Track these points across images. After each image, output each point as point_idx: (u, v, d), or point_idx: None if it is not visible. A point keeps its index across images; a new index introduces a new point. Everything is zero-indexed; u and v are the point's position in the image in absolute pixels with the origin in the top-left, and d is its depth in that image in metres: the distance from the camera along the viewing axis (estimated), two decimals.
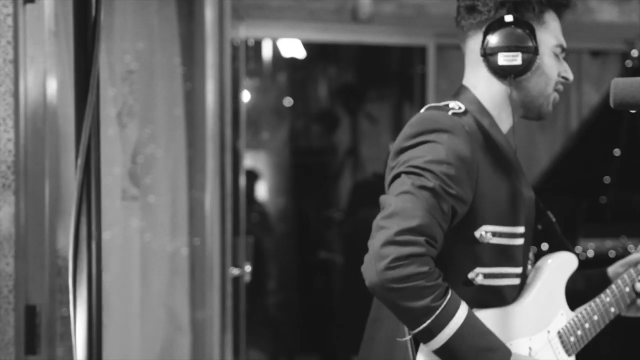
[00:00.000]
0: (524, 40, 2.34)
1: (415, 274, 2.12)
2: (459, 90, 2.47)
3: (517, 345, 2.36)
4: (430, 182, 2.19)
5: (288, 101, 7.40)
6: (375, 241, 2.15)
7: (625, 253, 4.62)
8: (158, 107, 3.75)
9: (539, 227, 2.59)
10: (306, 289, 7.15)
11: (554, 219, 2.62)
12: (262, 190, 7.17)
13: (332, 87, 7.49)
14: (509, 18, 2.35)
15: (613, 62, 6.75)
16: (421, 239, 2.14)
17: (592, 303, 2.55)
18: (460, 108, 2.36)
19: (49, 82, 2.67)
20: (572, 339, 2.50)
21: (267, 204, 7.27)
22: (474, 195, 2.27)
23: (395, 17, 6.06)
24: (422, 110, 2.39)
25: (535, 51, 2.35)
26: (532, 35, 2.35)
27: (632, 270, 2.61)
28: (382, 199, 2.24)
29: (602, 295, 2.57)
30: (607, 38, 6.58)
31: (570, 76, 2.47)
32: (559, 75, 2.44)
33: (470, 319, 2.20)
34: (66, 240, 3.08)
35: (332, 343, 6.93)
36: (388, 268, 2.11)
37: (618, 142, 5.51)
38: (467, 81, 2.47)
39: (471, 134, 2.30)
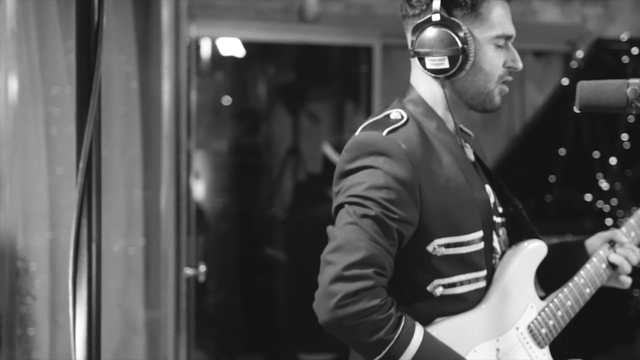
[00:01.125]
0: (451, 43, 2.28)
1: (366, 309, 2.12)
2: (406, 90, 2.43)
3: (483, 350, 2.35)
4: (372, 210, 2.18)
5: (227, 100, 7.38)
6: (323, 278, 2.15)
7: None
8: (113, 107, 3.72)
9: (510, 209, 2.56)
10: (248, 288, 7.14)
11: (520, 206, 2.59)
12: (199, 190, 7.14)
13: (273, 86, 7.49)
14: (435, 18, 2.29)
15: (556, 63, 6.84)
16: (369, 271, 2.13)
17: (564, 288, 2.53)
18: (402, 117, 2.32)
19: (10, 82, 2.65)
20: (543, 330, 2.48)
21: (205, 204, 7.24)
22: (420, 213, 2.25)
23: (342, 17, 6.09)
24: (359, 130, 2.35)
25: (463, 52, 2.29)
26: (461, 36, 2.28)
27: (601, 252, 2.59)
28: (329, 230, 2.24)
29: (576, 278, 2.54)
30: (550, 39, 6.67)
31: (519, 65, 2.40)
32: (505, 65, 2.38)
33: (427, 343, 2.20)
34: (25, 242, 3.06)
35: (277, 342, 6.94)
36: (338, 306, 2.12)
37: (563, 142, 5.60)
38: (412, 79, 2.44)
39: (409, 151, 2.25)
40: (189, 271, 4.09)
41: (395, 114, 2.34)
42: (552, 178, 5.67)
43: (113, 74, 3.71)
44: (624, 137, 5.45)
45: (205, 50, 6.99)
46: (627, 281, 2.61)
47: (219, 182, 7.38)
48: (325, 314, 2.14)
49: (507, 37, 2.38)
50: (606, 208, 5.54)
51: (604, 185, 5.55)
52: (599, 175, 5.60)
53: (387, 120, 2.33)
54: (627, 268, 2.59)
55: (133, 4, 3.83)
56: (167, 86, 3.88)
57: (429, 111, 2.39)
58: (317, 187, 6.58)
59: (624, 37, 5.82)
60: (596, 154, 5.62)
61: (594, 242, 2.63)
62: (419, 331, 2.20)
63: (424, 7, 2.33)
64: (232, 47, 6.74)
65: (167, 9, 3.86)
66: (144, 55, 3.90)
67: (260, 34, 6.12)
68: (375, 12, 6.14)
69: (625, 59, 5.66)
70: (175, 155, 3.96)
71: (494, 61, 2.36)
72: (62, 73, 3.18)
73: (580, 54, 6.05)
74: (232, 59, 7.07)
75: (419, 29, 2.31)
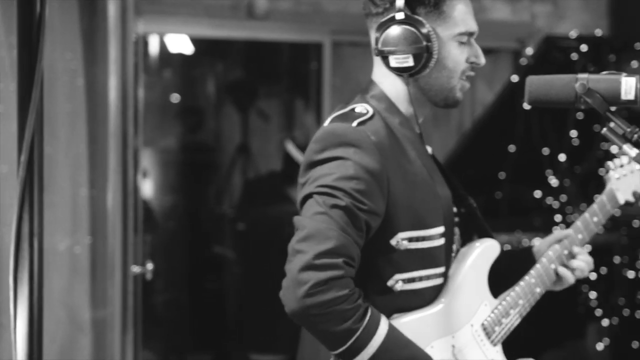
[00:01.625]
0: (415, 41, 2.30)
1: (336, 298, 2.12)
2: (368, 86, 2.44)
3: (439, 346, 2.37)
4: (342, 201, 2.18)
5: (175, 97, 7.32)
6: (292, 266, 2.14)
7: (519, 247, 4.74)
8: (58, 104, 3.67)
9: (462, 210, 2.59)
10: (197, 287, 7.10)
11: (474, 204, 2.62)
12: (147, 188, 7.09)
13: (221, 84, 7.45)
14: (399, 16, 2.31)
15: (505, 60, 6.87)
16: (339, 260, 2.13)
17: (516, 287, 2.57)
18: (367, 112, 2.33)
19: None
20: (496, 328, 2.51)
21: (153, 202, 7.18)
22: (386, 205, 2.26)
23: (291, 14, 6.07)
24: (327, 121, 2.36)
25: (427, 50, 2.30)
26: (424, 33, 2.30)
27: (557, 246, 2.65)
28: (296, 220, 2.22)
29: (527, 277, 2.59)
30: (500, 36, 6.69)
31: (482, 60, 2.43)
32: (467, 61, 2.40)
33: (391, 334, 2.22)
34: None
35: (227, 341, 6.90)
36: (308, 295, 2.11)
37: (512, 139, 5.62)
38: (374, 76, 2.45)
39: (378, 143, 2.27)
40: (136, 269, 4.05)
41: (360, 108, 2.35)
42: (501, 175, 5.70)
43: (58, 71, 3.65)
44: (573, 133, 5.48)
45: (153, 47, 6.93)
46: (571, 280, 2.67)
47: (167, 180, 7.32)
48: (294, 303, 2.13)
49: (470, 34, 2.41)
50: (555, 204, 5.58)
51: (554, 181, 5.58)
52: (549, 171, 5.63)
53: (353, 114, 2.33)
54: (585, 272, 2.68)
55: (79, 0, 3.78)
56: (114, 83, 3.83)
57: (392, 107, 2.40)
58: (271, 186, 6.56)
59: (573, 34, 5.86)
60: (545, 151, 5.65)
61: (541, 247, 2.69)
62: (384, 322, 2.22)
63: (387, 5, 2.35)
64: (180, 43, 6.69)
65: (113, 4, 3.81)
66: (90, 52, 3.84)
67: (209, 30, 6.08)
68: (325, 8, 6.11)
69: (574, 56, 5.70)
70: (122, 153, 3.91)
71: (457, 58, 2.38)
72: (6, 69, 3.12)
73: (529, 51, 6.08)
74: (181, 56, 7.02)
75: (382, 27, 2.33)
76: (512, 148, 5.62)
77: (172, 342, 6.94)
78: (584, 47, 5.72)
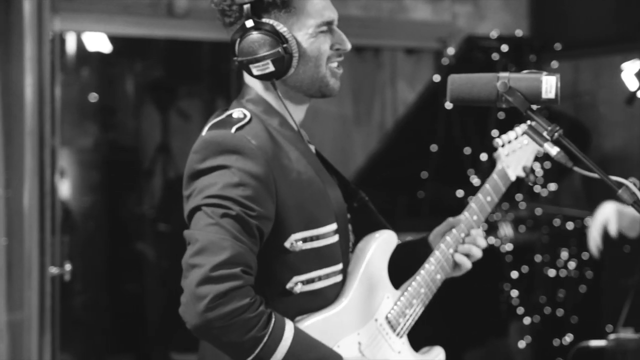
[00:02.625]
0: (270, 46, 2.27)
1: (238, 309, 2.10)
2: (243, 90, 2.41)
3: (345, 345, 2.37)
4: (232, 210, 2.15)
5: (93, 97, 7.23)
6: (189, 281, 2.11)
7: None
8: None
9: (355, 204, 2.57)
10: (116, 288, 7.03)
11: (366, 198, 2.60)
12: (65, 189, 6.98)
13: (141, 83, 7.37)
14: (249, 24, 2.27)
15: (427, 60, 6.88)
16: (237, 270, 2.11)
17: (417, 276, 2.56)
18: (245, 116, 2.29)
19: None
20: (401, 320, 2.51)
21: (72, 202, 7.08)
22: (276, 208, 2.24)
23: (212, 12, 5.98)
24: (204, 131, 2.31)
25: (285, 51, 2.28)
26: (278, 34, 2.27)
27: (454, 231, 2.65)
28: (187, 234, 2.19)
29: (427, 265, 2.59)
30: (421, 36, 6.71)
31: (347, 45, 2.40)
32: (332, 48, 2.38)
33: (298, 337, 2.20)
34: None
35: (147, 341, 6.84)
36: (208, 308, 2.08)
37: (434, 138, 5.64)
38: (247, 79, 2.41)
39: (260, 146, 2.24)
40: (53, 270, 3.98)
41: (237, 113, 2.31)
42: (424, 174, 5.72)
43: None
44: (495, 133, 5.52)
45: (71, 45, 6.82)
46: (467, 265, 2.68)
47: (85, 180, 7.22)
48: (195, 318, 2.09)
49: (329, 23, 2.38)
50: None
51: (475, 181, 5.61)
52: (470, 171, 5.67)
53: (231, 120, 2.29)
54: (477, 253, 2.65)
55: None
56: (30, 81, 3.76)
57: (270, 109, 2.37)
58: None
59: (494, 34, 5.91)
60: (467, 150, 5.69)
61: (436, 236, 2.68)
62: (289, 327, 2.20)
63: (237, 14, 2.31)
64: (98, 42, 6.58)
65: (29, 1, 3.74)
66: (5, 49, 3.77)
67: (128, 28, 5.97)
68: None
69: (495, 56, 5.76)
70: (39, 153, 3.84)
71: (321, 48, 2.36)
72: None
73: (451, 51, 6.12)
74: (99, 54, 6.92)
75: (236, 37, 2.30)
76: (434, 148, 5.65)
77: (91, 344, 6.86)
78: (504, 47, 5.77)
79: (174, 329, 6.20)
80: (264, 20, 2.28)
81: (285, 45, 2.28)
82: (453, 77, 2.18)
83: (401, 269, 2.58)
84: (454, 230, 2.65)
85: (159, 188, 7.23)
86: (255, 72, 2.30)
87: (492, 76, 2.13)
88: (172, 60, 7.30)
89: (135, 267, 6.99)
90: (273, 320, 2.17)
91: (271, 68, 2.28)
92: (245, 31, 2.27)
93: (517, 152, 2.82)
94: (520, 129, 2.80)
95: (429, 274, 2.58)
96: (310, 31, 2.33)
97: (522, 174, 2.84)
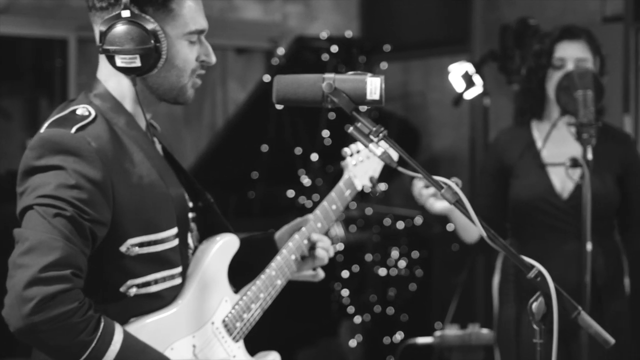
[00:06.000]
0: (142, 41, 2.22)
1: (65, 312, 2.04)
2: (93, 84, 2.33)
3: (179, 347, 2.34)
4: (65, 210, 2.09)
5: None
6: (16, 282, 2.03)
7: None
8: None
9: (200, 204, 2.53)
10: None
11: (211, 199, 2.56)
12: None
13: None
14: (125, 14, 2.22)
15: (258, 60, 6.88)
16: (67, 272, 2.05)
17: (257, 281, 2.56)
18: (89, 114, 2.22)
19: None
20: (238, 324, 2.50)
21: None
22: (112, 213, 2.18)
23: (34, 8, 5.84)
24: (44, 127, 2.22)
25: (156, 50, 2.24)
26: (152, 33, 2.23)
27: (296, 236, 2.66)
28: (17, 233, 2.11)
29: (267, 270, 2.59)
30: (252, 36, 6.70)
31: (212, 59, 2.38)
32: (197, 60, 2.35)
33: (127, 341, 2.16)
34: None
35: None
36: (35, 312, 2.01)
37: (265, 138, 5.63)
38: (99, 73, 2.34)
39: (100, 149, 2.17)
40: None
41: (82, 109, 2.24)
42: (254, 174, 5.70)
43: None
44: (325, 133, 5.55)
45: None
46: (320, 275, 2.75)
47: None
48: (20, 321, 2.02)
49: (200, 32, 2.34)
50: (308, 204, 5.64)
51: (306, 181, 5.63)
52: (301, 171, 5.69)
53: (74, 117, 2.22)
54: (325, 260, 2.70)
55: None
56: None
57: (118, 106, 2.31)
58: (12, 185, 6.29)
59: (324, 35, 5.94)
60: (298, 150, 5.70)
61: (283, 235, 2.69)
62: (119, 331, 2.15)
63: (113, 1, 2.25)
64: None
65: None
66: None
67: None
68: (70, 3, 5.91)
69: (325, 56, 5.78)
70: None
71: (187, 57, 2.32)
72: None
73: (281, 51, 6.11)
74: None
75: (108, 24, 2.22)
76: (264, 148, 5.63)
77: None
78: (334, 48, 5.81)
79: None
80: (142, 15, 2.23)
81: (157, 45, 2.23)
82: (279, 77, 2.17)
83: (245, 266, 2.57)
84: (296, 236, 2.65)
85: None
86: (119, 62, 2.22)
87: (318, 77, 2.12)
88: None
89: None
90: (102, 324, 2.11)
91: (137, 63, 2.22)
92: (119, 20, 2.20)
93: (365, 162, 2.84)
94: (375, 149, 2.81)
95: (270, 279, 2.58)
96: (181, 37, 2.28)
97: (369, 184, 2.85)
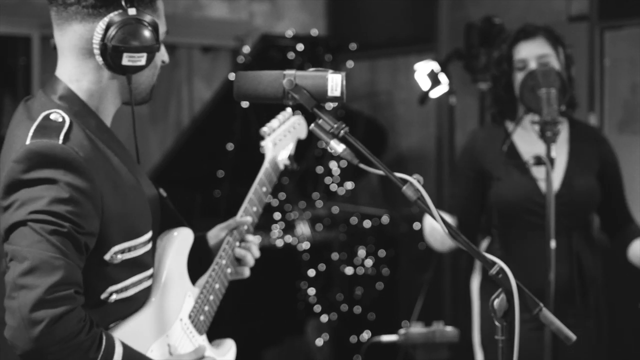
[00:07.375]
0: (151, 40, 2.21)
1: (73, 332, 2.03)
2: (53, 85, 2.26)
3: (157, 349, 2.35)
4: (62, 226, 2.04)
5: None
6: (20, 303, 1.99)
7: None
8: None
9: (164, 194, 2.52)
10: None
11: (165, 194, 2.53)
12: None
13: None
14: (132, 12, 2.18)
15: (224, 58, 6.85)
16: (71, 291, 2.03)
17: (211, 272, 2.57)
18: (63, 120, 2.15)
19: None
20: (201, 317, 2.52)
21: None
22: (100, 223, 2.15)
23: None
24: (28, 139, 2.11)
25: (158, 49, 2.25)
26: (157, 32, 2.23)
27: (236, 233, 2.67)
28: (12, 251, 2.05)
29: (218, 259, 2.60)
30: (218, 34, 6.67)
31: (167, 59, 2.39)
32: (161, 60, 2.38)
33: (126, 352, 2.15)
34: None
35: None
36: (44, 333, 1.99)
37: (231, 137, 5.61)
38: (63, 73, 2.27)
39: (86, 159, 2.12)
40: None
41: (55, 115, 2.17)
42: (220, 173, 5.68)
43: None
44: None
45: None
46: (246, 272, 2.72)
47: None
48: (29, 344, 1.99)
49: (165, 33, 2.36)
50: (275, 202, 5.62)
51: None
52: None
53: (52, 124, 2.15)
54: (251, 261, 2.69)
55: None
56: None
57: (85, 109, 2.25)
58: None
59: (290, 33, 5.94)
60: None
61: (216, 233, 2.70)
62: (118, 344, 2.15)
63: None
64: None
65: None
66: None
67: None
68: (33, 1, 5.86)
69: (291, 55, 5.78)
70: None
71: (159, 58, 2.34)
72: None
73: (247, 49, 6.10)
74: None
75: (115, 21, 2.18)
76: (230, 146, 5.61)
77: None
78: (300, 47, 5.81)
79: None
80: (145, 14, 2.22)
81: (157, 45, 2.23)
82: (240, 73, 2.17)
83: (195, 264, 2.57)
84: (234, 233, 2.67)
85: None
86: (125, 61, 2.18)
87: (279, 73, 2.11)
88: None
89: None
90: (104, 340, 2.10)
91: (143, 62, 2.21)
92: (127, 20, 2.17)
93: (282, 140, 2.87)
94: (283, 116, 2.84)
95: (221, 268, 2.59)
96: (162, 36, 2.30)
97: (288, 163, 2.89)
